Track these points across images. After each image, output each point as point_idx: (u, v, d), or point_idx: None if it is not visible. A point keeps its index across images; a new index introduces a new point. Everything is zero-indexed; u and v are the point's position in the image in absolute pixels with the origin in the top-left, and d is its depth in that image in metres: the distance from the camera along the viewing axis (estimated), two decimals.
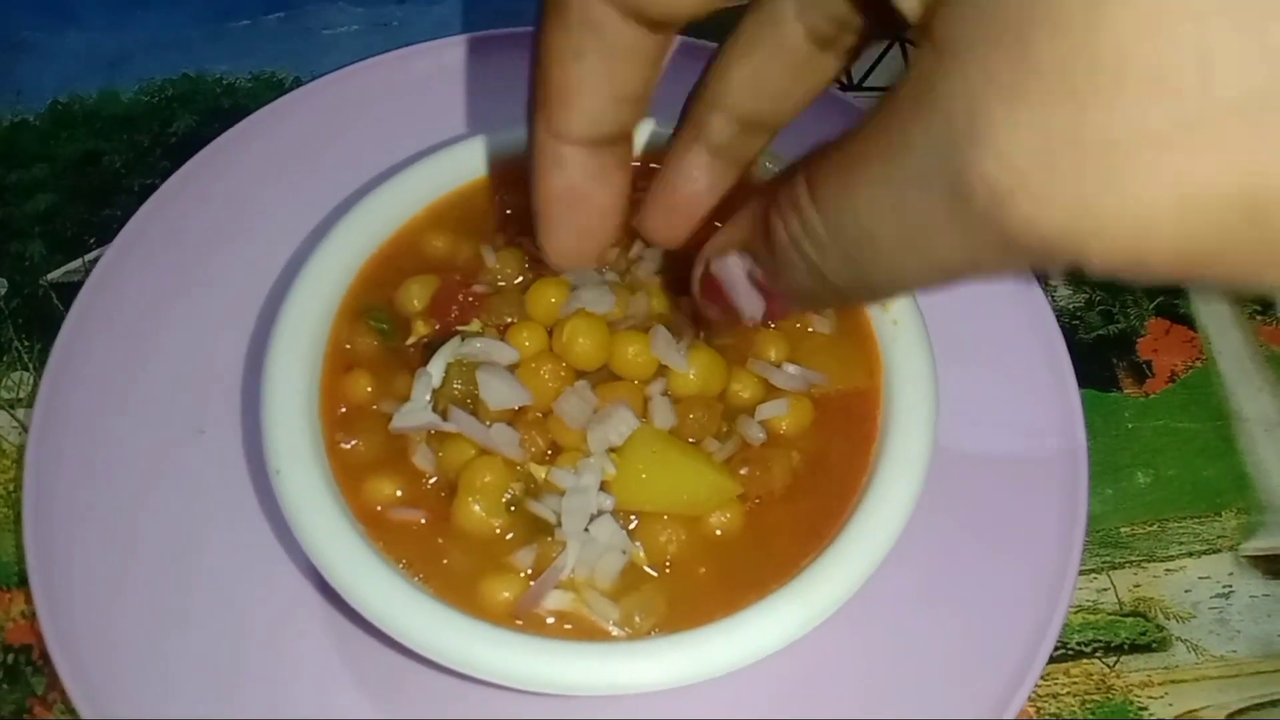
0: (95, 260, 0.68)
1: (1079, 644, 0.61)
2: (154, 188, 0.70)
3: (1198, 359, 0.72)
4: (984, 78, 0.27)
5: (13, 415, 0.66)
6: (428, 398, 0.54)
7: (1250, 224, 0.26)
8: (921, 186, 0.30)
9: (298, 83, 0.81)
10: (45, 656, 0.56)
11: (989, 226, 0.29)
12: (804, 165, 0.34)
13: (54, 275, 0.72)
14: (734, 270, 0.39)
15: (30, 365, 0.68)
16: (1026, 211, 0.27)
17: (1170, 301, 0.74)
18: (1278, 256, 0.26)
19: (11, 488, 0.63)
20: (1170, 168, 0.26)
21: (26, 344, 0.69)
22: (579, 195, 0.44)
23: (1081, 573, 0.63)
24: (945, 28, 0.29)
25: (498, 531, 0.52)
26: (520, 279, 0.58)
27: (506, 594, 0.51)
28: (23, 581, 0.58)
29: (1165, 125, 0.25)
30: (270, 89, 0.81)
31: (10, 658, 0.58)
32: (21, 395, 0.67)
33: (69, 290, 0.68)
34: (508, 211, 0.62)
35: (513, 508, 0.52)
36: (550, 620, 0.51)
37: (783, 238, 0.35)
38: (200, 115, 0.79)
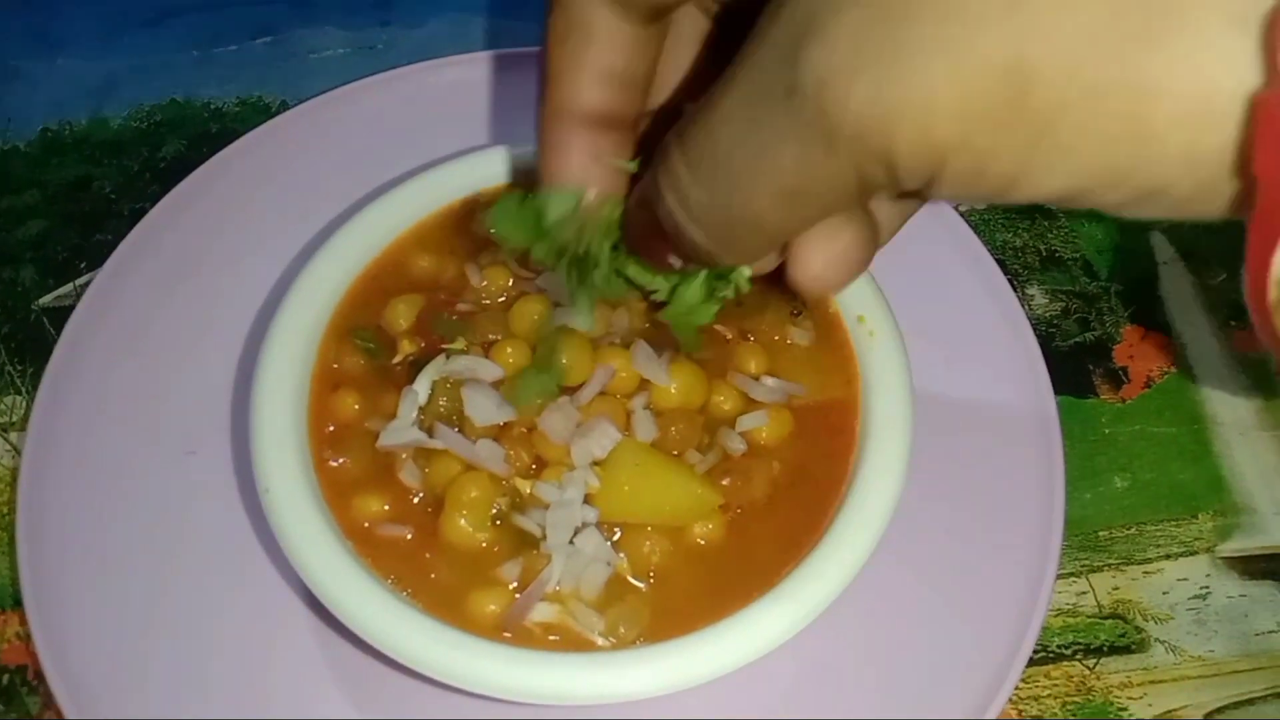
0: (86, 285, 0.69)
1: (1059, 647, 0.62)
2: (144, 212, 0.71)
3: (1173, 365, 0.73)
4: None
5: (5, 439, 0.67)
6: (414, 415, 0.55)
7: (1010, 97, 0.28)
8: (766, 95, 0.33)
9: (285, 106, 0.82)
10: (40, 676, 0.57)
11: (813, 115, 0.31)
12: (682, 119, 0.37)
13: (45, 300, 0.73)
14: (635, 215, 0.43)
15: (23, 389, 0.69)
16: (839, 92, 0.30)
17: (1146, 309, 0.75)
18: (1036, 130, 0.29)
19: (5, 510, 0.64)
20: (946, 38, 0.29)
21: (19, 368, 0.70)
22: (571, 178, 0.46)
23: (1060, 576, 0.64)
24: None
25: (484, 545, 0.53)
26: (504, 297, 0.60)
27: (494, 607, 0.52)
28: (17, 603, 0.59)
29: (945, 6, 0.28)
30: (258, 113, 0.82)
31: (5, 679, 0.59)
32: (14, 419, 0.68)
33: (61, 315, 0.69)
34: (492, 230, 0.63)
35: (499, 522, 0.53)
36: (537, 632, 0.52)
37: (658, 179, 0.39)
38: (189, 140, 0.80)
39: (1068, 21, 0.27)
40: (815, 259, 0.40)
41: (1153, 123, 0.27)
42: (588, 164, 0.45)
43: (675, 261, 0.42)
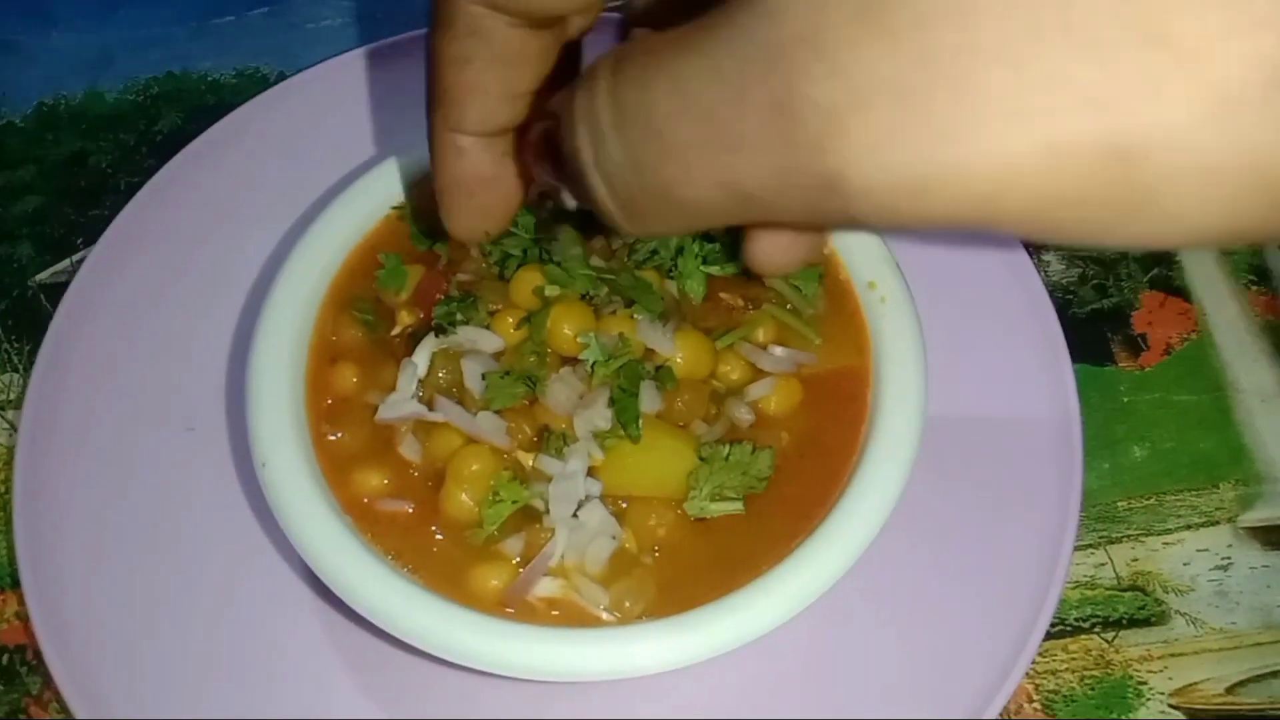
0: (83, 260, 0.68)
1: (1077, 620, 0.61)
2: (141, 186, 0.70)
3: (1193, 331, 0.71)
4: None
5: (2, 416, 0.66)
6: (414, 388, 0.54)
7: (1108, 176, 0.24)
8: (736, 91, 0.26)
9: (282, 77, 0.80)
10: (39, 656, 0.56)
11: (813, 153, 0.25)
12: (621, 46, 0.31)
13: (42, 276, 0.72)
14: (535, 136, 0.38)
15: (20, 367, 0.68)
16: (861, 143, 0.25)
17: (1164, 274, 0.73)
18: (1140, 204, 0.24)
19: (2, 489, 0.63)
20: (1040, 118, 0.24)
21: (16, 345, 0.69)
22: (482, 180, 0.45)
23: (1079, 548, 0.62)
24: None
25: None
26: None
27: (496, 582, 0.51)
28: (15, 583, 0.58)
29: (1036, 77, 0.23)
30: (255, 84, 0.80)
31: (5, 658, 0.58)
32: (11, 396, 0.67)
33: (58, 291, 0.68)
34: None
35: (500, 496, 0.52)
36: (541, 607, 0.50)
37: (574, 112, 0.32)
38: (186, 113, 0.79)
39: (1177, 89, 0.23)
40: (773, 244, 0.37)
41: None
42: (497, 173, 0.45)
43: (569, 201, 0.37)
